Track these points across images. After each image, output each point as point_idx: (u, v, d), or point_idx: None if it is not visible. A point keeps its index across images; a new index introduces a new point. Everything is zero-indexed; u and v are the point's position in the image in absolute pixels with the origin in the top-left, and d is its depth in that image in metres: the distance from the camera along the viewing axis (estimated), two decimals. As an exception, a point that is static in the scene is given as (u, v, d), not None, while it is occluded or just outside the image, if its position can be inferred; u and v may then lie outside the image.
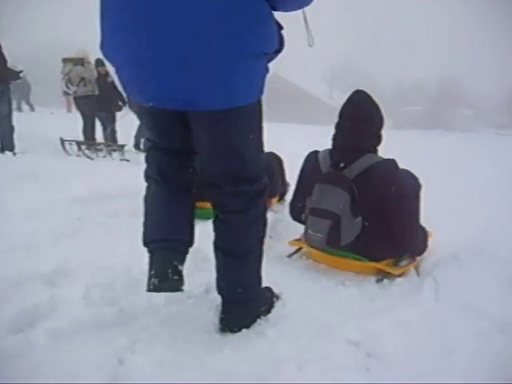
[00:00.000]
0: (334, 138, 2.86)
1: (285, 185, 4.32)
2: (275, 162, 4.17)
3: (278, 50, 1.99)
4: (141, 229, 2.17)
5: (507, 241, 3.30)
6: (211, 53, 1.74)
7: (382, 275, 2.81)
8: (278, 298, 2.49)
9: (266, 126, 2.12)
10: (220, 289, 2.22)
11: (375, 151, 2.81)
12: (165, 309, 2.39)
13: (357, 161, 2.73)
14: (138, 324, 2.24)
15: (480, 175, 7.74)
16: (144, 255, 2.13)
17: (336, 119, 2.83)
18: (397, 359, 2.01)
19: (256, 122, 2.03)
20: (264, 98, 2.03)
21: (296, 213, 3.07)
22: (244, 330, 2.22)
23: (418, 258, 2.99)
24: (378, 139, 2.82)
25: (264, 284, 2.31)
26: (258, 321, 2.29)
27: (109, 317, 2.23)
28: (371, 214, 2.70)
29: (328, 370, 1.90)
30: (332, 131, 2.92)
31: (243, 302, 2.21)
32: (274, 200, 4.12)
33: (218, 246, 2.18)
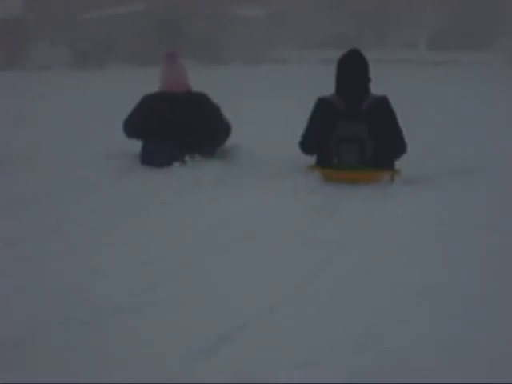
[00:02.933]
0: (342, 86, 3.94)
1: None
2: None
3: None
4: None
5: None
6: None
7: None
8: None
9: None
10: None
11: (370, 90, 4.01)
12: None
13: (364, 101, 3.90)
14: None
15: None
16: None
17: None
18: None
19: None
20: None
21: (311, 147, 4.01)
22: None
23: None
24: (369, 82, 4.01)
25: None
26: None
27: None
28: (379, 135, 3.86)
29: None
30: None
31: None
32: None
33: None
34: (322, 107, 3.95)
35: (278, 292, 2.26)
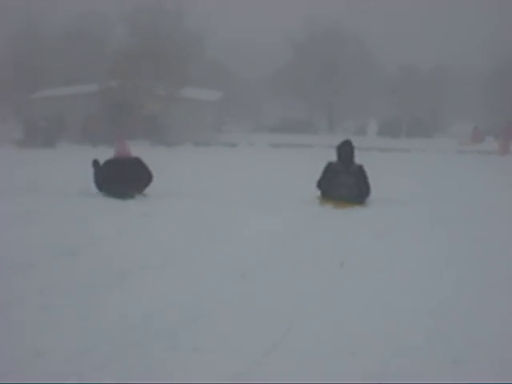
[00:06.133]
0: (340, 157, 6.83)
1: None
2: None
3: None
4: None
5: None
6: None
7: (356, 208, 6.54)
8: None
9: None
10: None
11: (354, 160, 6.93)
12: None
13: (352, 165, 6.84)
14: None
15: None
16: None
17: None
18: None
19: None
20: None
21: (323, 187, 6.82)
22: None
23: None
24: (354, 157, 6.91)
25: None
26: None
27: None
28: (359, 184, 6.74)
29: None
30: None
31: None
32: None
33: None
34: (330, 166, 6.90)
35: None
